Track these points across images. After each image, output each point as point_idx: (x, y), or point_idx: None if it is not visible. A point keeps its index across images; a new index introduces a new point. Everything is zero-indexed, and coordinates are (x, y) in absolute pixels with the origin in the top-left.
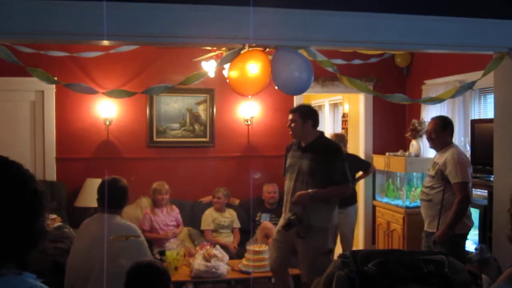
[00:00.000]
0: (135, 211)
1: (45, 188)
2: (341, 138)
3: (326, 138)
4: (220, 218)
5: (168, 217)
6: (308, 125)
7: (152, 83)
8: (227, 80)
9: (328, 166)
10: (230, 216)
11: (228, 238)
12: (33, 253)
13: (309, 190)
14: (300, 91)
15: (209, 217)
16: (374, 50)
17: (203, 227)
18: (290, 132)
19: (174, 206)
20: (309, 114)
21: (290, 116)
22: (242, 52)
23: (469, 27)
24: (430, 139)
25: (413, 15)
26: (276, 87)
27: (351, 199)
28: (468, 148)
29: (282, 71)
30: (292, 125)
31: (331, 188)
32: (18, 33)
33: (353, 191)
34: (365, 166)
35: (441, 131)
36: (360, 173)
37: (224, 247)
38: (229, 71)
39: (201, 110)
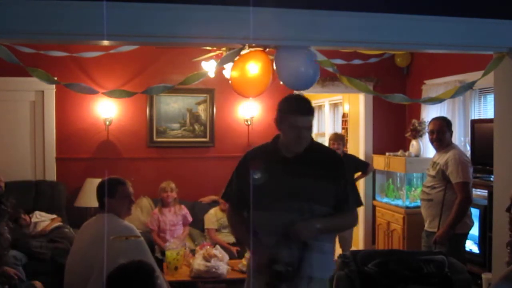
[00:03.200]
0: (135, 211)
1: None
2: (340, 138)
3: (321, 144)
4: (224, 219)
5: (176, 217)
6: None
7: (152, 83)
8: (230, 82)
9: (338, 185)
10: None
11: (228, 237)
12: None
13: (315, 222)
14: (305, 86)
15: (213, 216)
16: (374, 50)
17: (207, 225)
18: (303, 142)
19: (182, 206)
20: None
21: (306, 122)
22: (242, 52)
23: (469, 27)
24: (437, 139)
25: (413, 15)
26: (281, 83)
27: None
28: (468, 148)
29: (288, 65)
30: (308, 134)
31: (344, 217)
32: (18, 33)
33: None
34: (364, 166)
35: (447, 131)
36: (359, 173)
37: (225, 248)
38: (231, 73)
39: (201, 110)
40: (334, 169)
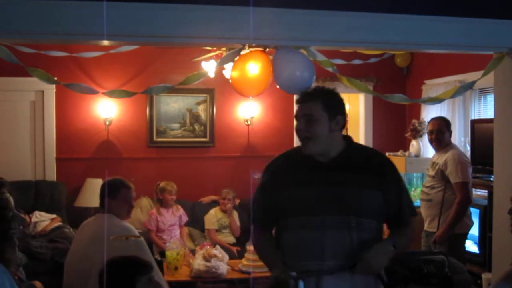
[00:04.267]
0: (135, 211)
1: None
2: None
3: (362, 145)
4: (224, 219)
5: (173, 217)
6: (335, 124)
7: (152, 83)
8: (230, 81)
9: (390, 193)
10: (234, 217)
11: (228, 238)
12: None
13: (387, 246)
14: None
15: (213, 217)
16: (374, 50)
17: (207, 226)
18: (304, 136)
19: (179, 206)
20: (340, 106)
21: (303, 109)
22: (242, 52)
23: (469, 27)
24: (436, 139)
25: (413, 15)
26: (277, 86)
27: None
28: (468, 148)
29: (284, 69)
30: (308, 124)
31: (406, 232)
32: (18, 33)
33: None
34: None
35: (446, 131)
36: None
37: (226, 248)
38: (231, 72)
39: (201, 110)
40: (383, 172)
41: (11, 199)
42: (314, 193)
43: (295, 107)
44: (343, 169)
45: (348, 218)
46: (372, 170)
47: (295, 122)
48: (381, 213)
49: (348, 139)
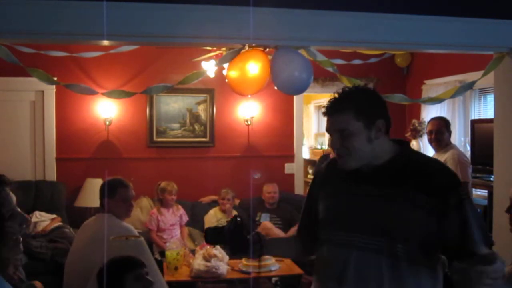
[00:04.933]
0: (135, 211)
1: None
2: None
3: (418, 153)
4: (224, 219)
5: (174, 217)
6: (377, 131)
7: (152, 83)
8: (226, 80)
9: (450, 223)
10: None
11: None
12: None
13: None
14: (300, 91)
15: (213, 217)
16: (374, 50)
17: (207, 226)
18: (340, 153)
19: (179, 206)
20: (378, 108)
21: (333, 124)
22: (242, 52)
23: (469, 27)
24: (435, 139)
25: (413, 15)
26: (275, 87)
27: None
28: (468, 148)
29: (282, 71)
30: (342, 140)
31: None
32: (18, 33)
33: None
34: None
35: (446, 131)
36: None
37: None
38: (228, 71)
39: (201, 110)
40: (441, 194)
41: (12, 198)
42: (344, 205)
43: (295, 107)
44: (385, 181)
45: (379, 240)
46: (426, 188)
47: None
48: (430, 243)
49: (403, 144)
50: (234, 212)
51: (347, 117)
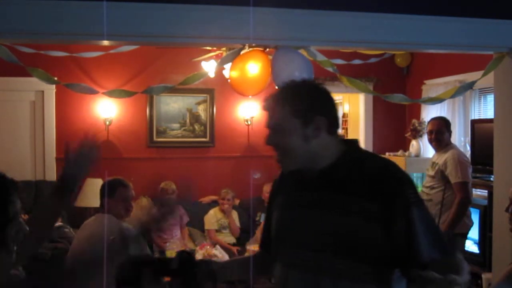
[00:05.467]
0: (135, 211)
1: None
2: None
3: (366, 153)
4: (224, 220)
5: (174, 217)
6: (314, 128)
7: (152, 83)
8: (229, 81)
9: (399, 227)
10: (233, 217)
11: (228, 238)
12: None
13: None
14: None
15: (213, 217)
16: (374, 50)
17: (207, 226)
18: (276, 152)
19: (180, 206)
20: (318, 104)
21: (268, 119)
22: (242, 52)
23: (469, 27)
24: (435, 139)
25: (413, 15)
26: (276, 87)
27: None
28: (468, 148)
29: (283, 70)
30: (276, 136)
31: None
32: (18, 33)
33: None
34: None
35: (446, 131)
36: None
37: (226, 248)
38: (230, 72)
39: (201, 110)
40: (388, 196)
41: (16, 204)
42: (287, 218)
43: None
44: (325, 187)
45: (320, 256)
46: (369, 193)
47: None
48: (380, 256)
49: (349, 144)
50: (234, 212)
51: (281, 112)
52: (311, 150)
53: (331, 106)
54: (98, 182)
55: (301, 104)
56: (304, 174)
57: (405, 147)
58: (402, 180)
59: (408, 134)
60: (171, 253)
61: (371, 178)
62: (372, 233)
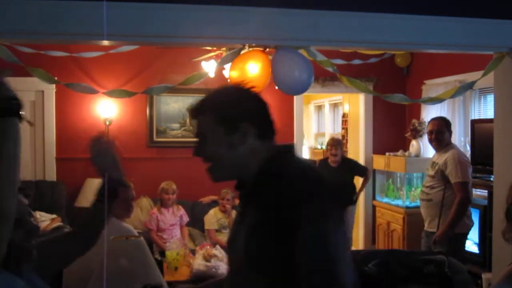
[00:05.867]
0: (135, 211)
1: None
2: (338, 143)
3: (291, 161)
4: (224, 220)
5: (174, 217)
6: (241, 136)
7: (152, 83)
8: (229, 81)
9: (284, 241)
10: (233, 217)
11: None
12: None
13: None
14: (301, 91)
15: (213, 217)
16: (374, 50)
17: (207, 226)
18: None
19: (180, 206)
20: (243, 109)
21: (195, 128)
22: (242, 52)
23: (469, 27)
24: (436, 139)
25: (413, 15)
26: (276, 87)
27: None
28: (468, 148)
29: (282, 70)
30: (200, 145)
31: None
32: (18, 33)
33: (352, 191)
34: (364, 171)
35: (446, 131)
36: (360, 179)
37: (226, 248)
38: (230, 72)
39: None
40: (276, 210)
41: (22, 204)
42: (231, 231)
43: (295, 107)
44: (248, 203)
45: (237, 272)
46: (268, 207)
47: None
48: (270, 268)
49: (280, 150)
50: (234, 212)
51: (205, 119)
52: (238, 158)
53: (262, 111)
54: (98, 182)
55: (225, 111)
56: (238, 185)
57: (405, 147)
58: (301, 195)
59: (408, 134)
60: (171, 253)
61: (276, 191)
62: (266, 250)
